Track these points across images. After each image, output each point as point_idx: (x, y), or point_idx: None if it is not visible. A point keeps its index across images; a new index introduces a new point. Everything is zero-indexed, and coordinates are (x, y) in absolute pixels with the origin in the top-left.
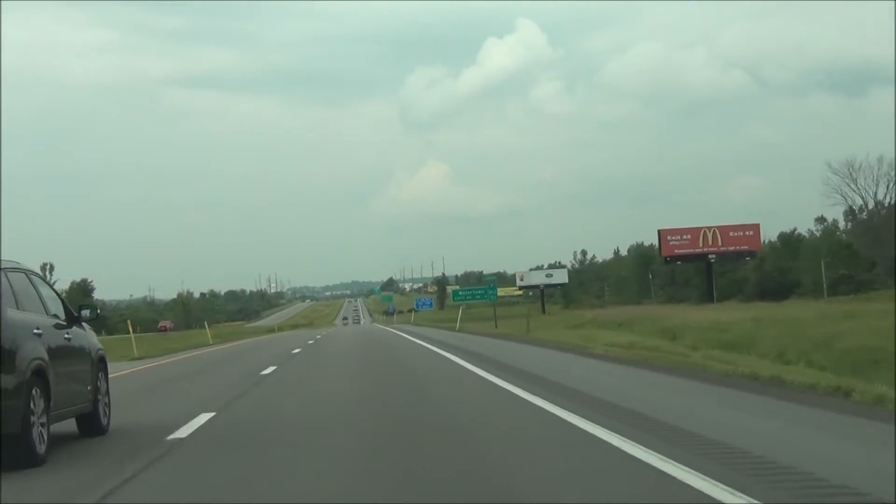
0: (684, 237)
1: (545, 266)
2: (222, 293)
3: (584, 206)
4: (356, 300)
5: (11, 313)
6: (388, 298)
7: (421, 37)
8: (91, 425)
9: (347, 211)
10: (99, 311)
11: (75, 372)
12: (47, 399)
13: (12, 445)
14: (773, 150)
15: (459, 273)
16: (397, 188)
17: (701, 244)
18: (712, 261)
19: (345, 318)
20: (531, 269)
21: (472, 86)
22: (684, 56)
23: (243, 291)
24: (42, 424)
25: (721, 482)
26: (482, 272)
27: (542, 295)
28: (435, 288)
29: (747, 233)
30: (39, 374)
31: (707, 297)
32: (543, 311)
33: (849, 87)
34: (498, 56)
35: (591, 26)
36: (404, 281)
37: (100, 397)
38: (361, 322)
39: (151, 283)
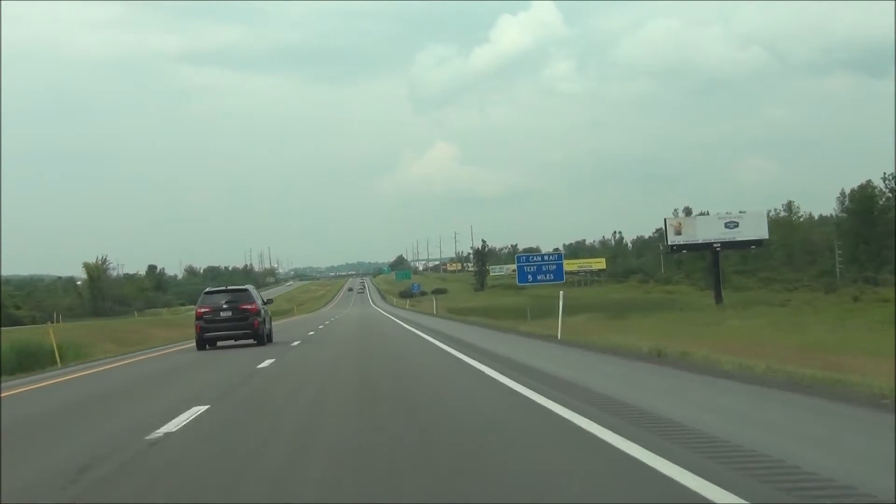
0: None
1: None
2: (201, 270)
3: (595, 186)
4: (362, 278)
5: (258, 301)
6: (405, 275)
7: (433, 13)
8: (270, 338)
9: (354, 191)
10: (272, 300)
11: (267, 320)
12: (265, 325)
13: (262, 338)
14: (788, 131)
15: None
16: (406, 168)
17: None
18: None
19: (350, 289)
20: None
21: (485, 64)
22: (701, 33)
23: (226, 268)
24: (266, 334)
25: None
26: (516, 245)
27: (716, 261)
28: (457, 266)
29: None
30: (265, 318)
31: None
32: (719, 299)
33: (871, 66)
34: (511, 33)
35: (607, 3)
36: (416, 260)
37: (273, 330)
38: (366, 292)
39: (158, 261)
